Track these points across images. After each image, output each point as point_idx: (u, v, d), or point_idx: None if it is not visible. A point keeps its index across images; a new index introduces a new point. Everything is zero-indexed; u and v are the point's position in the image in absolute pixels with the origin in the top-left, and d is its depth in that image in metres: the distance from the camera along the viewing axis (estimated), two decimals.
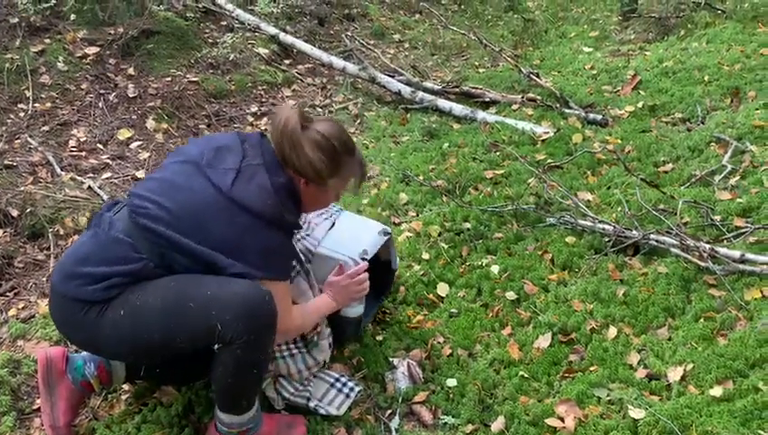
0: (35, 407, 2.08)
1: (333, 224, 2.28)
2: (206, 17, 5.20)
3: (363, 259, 2.15)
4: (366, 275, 2.10)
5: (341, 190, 1.91)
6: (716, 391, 1.88)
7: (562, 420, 1.90)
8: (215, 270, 1.66)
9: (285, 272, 1.79)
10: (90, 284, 1.66)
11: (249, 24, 5.09)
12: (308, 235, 2.18)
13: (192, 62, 4.48)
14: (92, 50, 4.23)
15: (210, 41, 4.88)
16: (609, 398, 1.97)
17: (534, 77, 4.45)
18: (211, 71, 4.46)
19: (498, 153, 3.59)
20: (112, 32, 4.42)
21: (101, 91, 4.01)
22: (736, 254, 2.39)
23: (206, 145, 1.80)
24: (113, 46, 4.32)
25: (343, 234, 2.24)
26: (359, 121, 4.32)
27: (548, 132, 3.71)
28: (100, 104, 3.92)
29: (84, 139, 3.64)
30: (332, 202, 1.96)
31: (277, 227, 1.71)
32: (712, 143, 3.34)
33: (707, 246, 2.44)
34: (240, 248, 1.66)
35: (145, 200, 1.70)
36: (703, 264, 2.39)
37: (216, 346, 1.64)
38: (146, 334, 1.65)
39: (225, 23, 5.18)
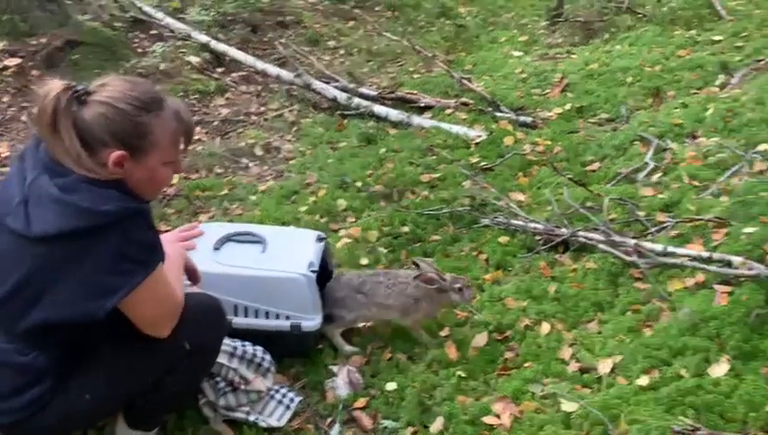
0: None
1: (262, 242, 2.21)
2: (134, 26, 5.09)
3: (313, 272, 2.13)
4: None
5: (173, 158, 1.56)
6: (643, 381, 1.95)
7: (499, 417, 1.94)
8: (95, 324, 1.43)
9: (154, 259, 1.49)
10: (21, 409, 1.52)
11: (180, 33, 5.00)
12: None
13: (121, 72, 4.36)
14: (13, 61, 4.09)
15: (140, 50, 4.78)
16: (543, 393, 2.02)
17: (467, 82, 4.52)
18: None
19: (434, 157, 3.64)
20: (35, 42, 4.28)
21: (24, 105, 3.87)
22: (659, 247, 2.49)
23: (1, 189, 1.52)
24: (36, 58, 4.19)
25: (280, 250, 2.19)
26: (295, 129, 4.30)
27: (481, 136, 3.78)
28: (23, 118, 3.77)
29: (7, 154, 3.49)
30: (172, 175, 1.62)
31: (111, 228, 1.40)
32: (636, 142, 3.47)
33: (633, 241, 2.54)
34: (93, 282, 1.41)
35: None
36: (629, 258, 2.48)
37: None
38: (133, 387, 1.65)
39: (154, 32, 5.08)
